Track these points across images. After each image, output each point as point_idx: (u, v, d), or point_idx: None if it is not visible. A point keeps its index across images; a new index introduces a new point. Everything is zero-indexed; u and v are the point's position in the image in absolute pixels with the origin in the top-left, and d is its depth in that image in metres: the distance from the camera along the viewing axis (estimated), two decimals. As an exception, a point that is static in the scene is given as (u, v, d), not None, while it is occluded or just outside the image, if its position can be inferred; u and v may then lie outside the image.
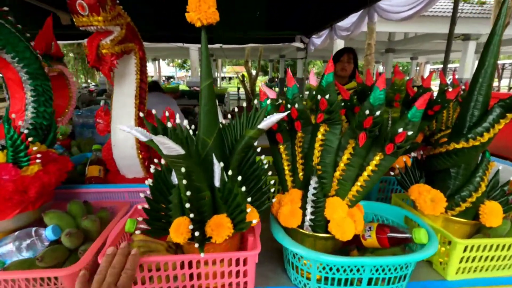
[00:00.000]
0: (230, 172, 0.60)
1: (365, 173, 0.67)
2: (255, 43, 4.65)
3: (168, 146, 0.49)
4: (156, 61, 19.77)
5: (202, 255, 0.57)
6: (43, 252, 0.67)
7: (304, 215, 0.68)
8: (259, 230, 0.72)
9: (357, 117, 0.64)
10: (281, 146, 0.76)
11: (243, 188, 0.59)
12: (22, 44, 0.77)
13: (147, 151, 1.07)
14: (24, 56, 0.77)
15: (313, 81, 0.76)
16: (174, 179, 0.63)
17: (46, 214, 0.73)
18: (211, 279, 0.65)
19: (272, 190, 0.71)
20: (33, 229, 0.71)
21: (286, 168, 0.76)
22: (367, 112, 0.61)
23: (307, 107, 0.73)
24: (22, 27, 0.77)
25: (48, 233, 0.70)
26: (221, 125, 0.68)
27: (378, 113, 0.60)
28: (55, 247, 0.70)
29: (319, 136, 0.69)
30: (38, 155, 0.73)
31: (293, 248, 0.65)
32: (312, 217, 0.67)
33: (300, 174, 0.74)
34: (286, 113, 0.63)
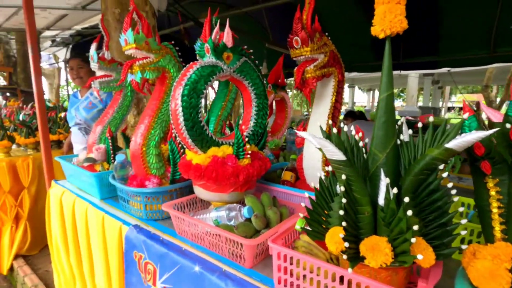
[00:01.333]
0: (395, 191, 0.52)
1: None
2: (503, 61, 3.54)
3: (329, 150, 0.51)
4: (371, 91, 19.84)
5: (349, 270, 0.54)
6: (238, 224, 0.89)
7: (514, 282, 0.47)
8: (436, 279, 0.57)
9: None
10: (489, 180, 0.56)
11: (409, 213, 0.50)
12: (255, 74, 1.08)
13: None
14: (255, 82, 1.08)
15: None
16: (339, 188, 0.64)
17: (247, 197, 0.97)
18: (361, 307, 0.59)
19: (464, 232, 0.55)
20: (238, 205, 0.97)
21: (494, 211, 0.55)
22: None
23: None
24: (255, 62, 1.08)
25: (245, 212, 0.93)
26: (399, 141, 0.61)
27: None
28: (247, 224, 0.91)
29: None
30: (249, 153, 0.99)
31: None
32: (530, 290, 0.44)
33: (519, 223, 0.51)
34: (492, 131, 0.47)
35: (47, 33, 4.80)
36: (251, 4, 3.47)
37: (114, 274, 1.15)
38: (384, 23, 0.55)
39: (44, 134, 1.75)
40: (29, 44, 1.69)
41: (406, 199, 0.51)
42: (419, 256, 0.49)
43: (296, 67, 1.08)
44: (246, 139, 1.02)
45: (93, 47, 1.46)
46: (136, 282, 1.05)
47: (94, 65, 1.47)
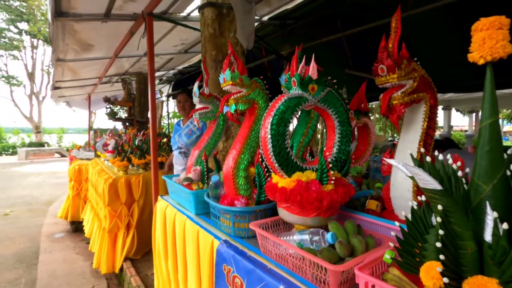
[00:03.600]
0: (505, 226, 0.48)
1: None
2: None
3: (423, 178, 0.51)
4: (473, 113, 17.00)
5: (450, 309, 0.50)
6: (322, 248, 0.91)
7: None
8: None
9: None
10: None
11: (525, 252, 0.44)
12: (338, 103, 1.12)
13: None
14: (338, 110, 1.12)
15: None
16: (435, 220, 0.61)
17: (330, 223, 0.98)
18: None
19: None
20: (321, 230, 0.98)
21: None
22: None
23: None
24: (338, 91, 1.13)
25: (328, 237, 0.94)
26: (509, 172, 0.55)
27: None
28: (330, 250, 0.91)
29: None
30: (333, 179, 1.01)
31: None
32: None
33: None
34: None
35: (157, 74, 5.87)
36: (331, 33, 3.56)
37: (205, 284, 1.28)
38: (484, 49, 0.53)
39: (154, 157, 2.12)
40: (149, 84, 2.14)
41: (520, 237, 0.46)
42: (542, 304, 0.43)
43: (382, 94, 1.08)
44: (330, 165, 1.05)
45: (196, 84, 1.76)
46: (224, 293, 1.14)
47: (196, 99, 1.75)
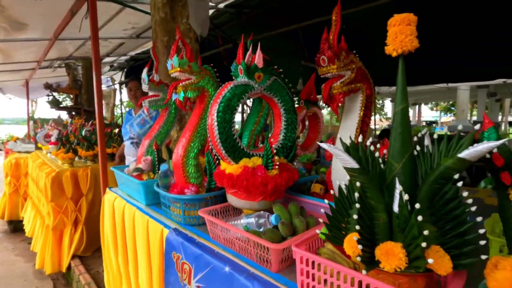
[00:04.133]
0: (406, 197, 0.55)
1: None
2: None
3: (343, 158, 0.57)
4: (417, 106, 18.70)
5: (364, 272, 0.57)
6: (266, 230, 0.95)
7: (534, 293, 0.46)
8: (457, 289, 0.57)
9: None
10: (511, 191, 0.56)
11: (419, 218, 0.52)
12: (284, 91, 1.16)
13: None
14: (284, 99, 1.16)
15: None
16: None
17: (275, 205, 1.04)
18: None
19: (483, 242, 0.55)
20: (267, 213, 1.03)
21: (518, 222, 0.55)
22: None
23: None
24: (284, 80, 1.17)
25: (272, 219, 0.99)
26: (416, 152, 0.64)
27: None
28: (274, 230, 0.97)
29: None
30: (277, 164, 1.06)
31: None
32: (549, 301, 0.44)
33: (543, 235, 0.50)
34: (500, 142, 0.49)
35: (107, 59, 5.46)
36: (287, 24, 3.62)
37: (155, 274, 1.26)
38: (396, 43, 0.60)
39: (102, 148, 2.00)
40: (93, 70, 1.99)
41: (417, 206, 0.54)
42: (430, 260, 0.51)
43: (324, 84, 1.15)
44: (275, 151, 1.09)
45: (144, 71, 1.68)
46: (174, 281, 1.15)
47: (145, 87, 1.68)
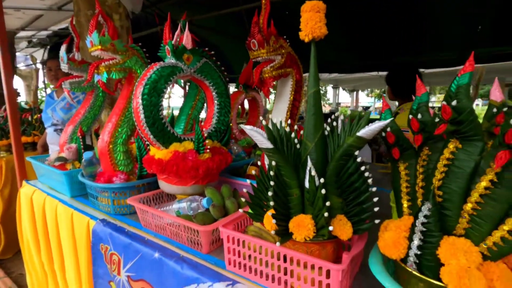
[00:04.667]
0: (313, 173, 0.61)
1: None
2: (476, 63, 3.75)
3: (258, 139, 0.59)
4: (355, 92, 20.27)
5: (277, 244, 0.61)
6: (197, 213, 0.96)
7: (409, 247, 0.55)
8: (357, 250, 0.65)
9: (500, 129, 0.46)
10: (400, 164, 0.66)
11: (323, 191, 0.58)
12: (216, 74, 1.15)
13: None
14: (216, 82, 1.15)
15: (496, 95, 0.57)
16: (277, 175, 0.71)
17: (206, 189, 1.04)
18: (295, 279, 0.67)
19: (376, 209, 0.63)
20: (198, 197, 1.03)
21: (403, 190, 0.64)
22: None
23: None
24: (217, 62, 1.15)
25: (204, 202, 0.99)
26: (326, 132, 0.69)
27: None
28: (205, 213, 0.97)
29: (446, 154, 0.54)
30: (209, 148, 1.06)
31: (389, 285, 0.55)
32: (418, 252, 0.53)
33: (419, 200, 0.60)
34: (388, 121, 0.56)
35: (22, 33, 4.70)
36: (231, 6, 3.53)
37: (83, 268, 1.18)
38: (307, 29, 0.63)
39: (16, 136, 1.75)
40: (-2, 44, 1.70)
41: (321, 180, 0.59)
42: (330, 228, 0.58)
43: (255, 68, 1.16)
44: (207, 135, 1.09)
45: (62, 48, 1.49)
46: (103, 273, 1.09)
47: (64, 66, 1.50)
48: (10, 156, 2.58)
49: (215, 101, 1.16)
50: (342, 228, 0.61)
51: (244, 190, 0.74)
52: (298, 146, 0.69)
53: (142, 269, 0.93)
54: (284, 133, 0.66)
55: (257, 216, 0.71)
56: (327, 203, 0.57)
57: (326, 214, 0.58)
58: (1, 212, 2.46)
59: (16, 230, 2.14)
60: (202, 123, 1.14)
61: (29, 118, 3.06)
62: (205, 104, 1.41)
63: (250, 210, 0.81)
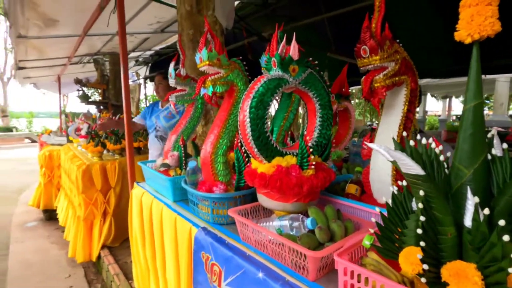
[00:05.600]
0: (486, 212, 0.47)
1: None
2: None
3: (406, 163, 0.49)
4: (447, 99, 17.69)
5: (428, 295, 0.49)
6: (302, 234, 0.89)
7: None
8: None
9: None
10: None
11: (506, 238, 0.44)
12: (320, 85, 1.08)
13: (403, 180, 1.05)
14: (320, 93, 1.08)
15: None
16: (415, 205, 0.59)
17: (310, 208, 0.97)
18: None
19: None
20: (301, 216, 0.97)
21: None
22: None
23: None
24: (320, 73, 1.09)
25: (308, 223, 0.92)
26: (490, 156, 0.54)
27: None
28: (310, 235, 0.90)
29: None
30: (313, 163, 0.98)
31: None
32: None
33: None
34: None
35: (132, 54, 5.56)
36: (313, 15, 3.47)
37: (183, 272, 1.25)
38: (472, 27, 0.50)
39: (129, 142, 2.02)
40: (121, 64, 2.00)
41: (502, 222, 0.45)
42: (521, 290, 0.43)
43: (364, 76, 1.05)
44: (310, 149, 1.02)
45: (171, 65, 1.65)
46: (203, 281, 1.12)
47: (172, 81, 1.65)
48: (122, 158, 3.02)
49: (318, 113, 1.09)
50: (524, 288, 0.46)
51: (373, 219, 0.64)
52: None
53: (245, 286, 0.90)
54: (434, 156, 0.54)
55: (387, 252, 0.60)
56: (514, 255, 0.43)
57: (511, 270, 0.43)
58: (113, 206, 2.88)
59: (123, 222, 2.46)
60: (308, 137, 1.08)
61: (136, 126, 3.55)
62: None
63: (367, 239, 0.71)
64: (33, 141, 14.12)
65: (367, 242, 0.68)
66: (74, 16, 2.90)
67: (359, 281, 0.66)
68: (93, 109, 5.55)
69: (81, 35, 3.46)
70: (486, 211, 0.46)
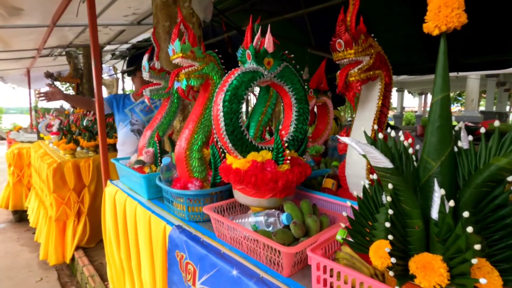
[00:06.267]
0: (451, 204, 0.47)
1: None
2: None
3: (375, 157, 0.48)
4: (423, 95, 18.38)
5: (397, 288, 0.49)
6: (277, 230, 0.88)
7: None
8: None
9: None
10: None
11: (469, 229, 0.44)
12: (296, 79, 1.07)
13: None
14: (296, 87, 1.07)
15: None
16: (385, 198, 0.59)
17: (286, 203, 0.96)
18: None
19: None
20: (277, 212, 0.95)
21: None
22: None
23: None
24: (296, 66, 1.07)
25: (283, 218, 0.91)
26: (456, 149, 0.55)
27: None
28: (285, 231, 0.89)
29: None
30: (289, 158, 0.97)
31: None
32: None
33: None
34: None
35: (108, 47, 5.33)
36: (293, 10, 3.46)
37: (158, 272, 1.21)
38: (439, 18, 0.50)
39: (103, 138, 1.93)
40: (92, 58, 1.90)
41: (466, 214, 0.45)
42: (482, 280, 0.43)
43: (339, 71, 1.05)
44: (286, 144, 1.01)
45: (145, 58, 1.58)
46: (178, 281, 1.09)
47: (145, 74, 1.59)
48: (96, 155, 2.89)
49: (294, 108, 1.08)
50: (487, 277, 0.46)
51: (344, 214, 0.64)
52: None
53: (219, 284, 0.88)
54: (403, 149, 0.54)
55: (359, 246, 0.60)
56: (477, 246, 0.43)
57: (474, 261, 0.43)
58: (88, 205, 2.77)
59: (99, 222, 2.36)
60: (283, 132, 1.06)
61: (112, 122, 3.41)
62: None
63: (340, 234, 0.71)
64: (2, 139, 13.32)
65: (339, 237, 0.68)
66: (40, 5, 2.72)
67: (331, 276, 0.66)
68: (66, 105, 5.29)
69: (49, 26, 3.26)
70: (452, 203, 0.46)
